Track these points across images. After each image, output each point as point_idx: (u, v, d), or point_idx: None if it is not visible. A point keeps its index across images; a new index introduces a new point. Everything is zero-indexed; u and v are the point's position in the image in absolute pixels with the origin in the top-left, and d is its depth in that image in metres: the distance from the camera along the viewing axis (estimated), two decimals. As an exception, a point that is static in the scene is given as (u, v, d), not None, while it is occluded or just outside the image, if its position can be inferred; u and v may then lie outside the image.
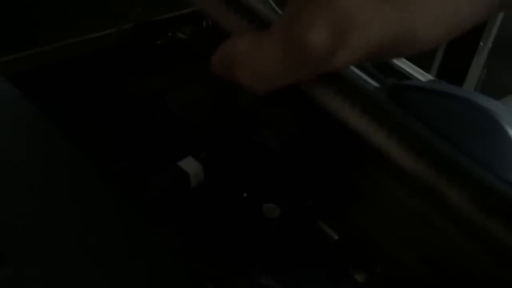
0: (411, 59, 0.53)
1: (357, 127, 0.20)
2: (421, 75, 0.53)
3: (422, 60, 0.52)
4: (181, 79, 0.49)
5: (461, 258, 0.45)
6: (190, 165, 0.42)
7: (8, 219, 0.28)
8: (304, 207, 0.46)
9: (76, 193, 0.31)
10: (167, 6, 0.56)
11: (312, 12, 0.18)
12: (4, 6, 0.45)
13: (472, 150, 0.22)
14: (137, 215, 0.31)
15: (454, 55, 1.14)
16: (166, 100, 0.47)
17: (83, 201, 0.30)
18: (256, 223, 0.43)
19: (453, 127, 0.35)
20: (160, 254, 0.30)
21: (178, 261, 0.29)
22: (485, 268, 0.41)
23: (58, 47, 0.47)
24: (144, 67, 0.51)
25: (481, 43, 1.11)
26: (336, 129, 0.45)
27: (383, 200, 0.57)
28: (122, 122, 0.46)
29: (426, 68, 0.57)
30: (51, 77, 0.47)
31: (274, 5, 0.38)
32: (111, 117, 0.46)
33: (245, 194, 0.43)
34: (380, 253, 0.55)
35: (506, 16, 1.06)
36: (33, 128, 0.35)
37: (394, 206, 0.58)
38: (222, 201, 0.44)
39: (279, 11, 0.32)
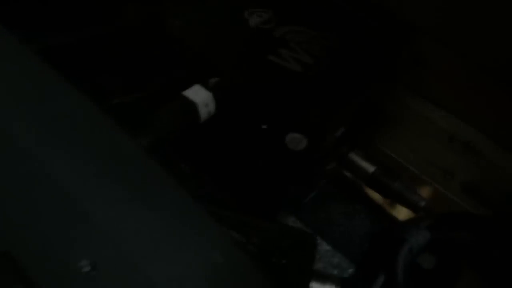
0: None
1: None
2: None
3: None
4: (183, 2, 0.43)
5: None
6: (198, 94, 0.36)
7: None
8: (334, 137, 0.40)
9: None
10: None
11: None
12: None
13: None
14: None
15: None
16: (167, 25, 0.40)
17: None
18: (279, 157, 0.37)
19: None
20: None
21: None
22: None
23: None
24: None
25: None
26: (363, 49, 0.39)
27: (415, 124, 0.52)
28: (121, 51, 0.40)
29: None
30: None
31: None
32: (109, 47, 0.41)
33: (264, 126, 0.37)
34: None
35: None
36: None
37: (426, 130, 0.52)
38: (238, 134, 0.38)
39: None
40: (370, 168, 0.44)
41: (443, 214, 0.45)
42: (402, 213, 0.47)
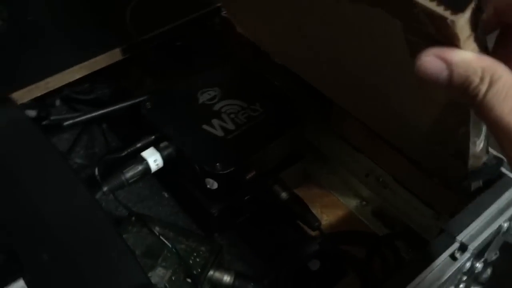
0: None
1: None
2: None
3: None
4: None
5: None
6: (151, 153, 0.59)
7: None
8: (242, 180, 0.60)
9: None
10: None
11: None
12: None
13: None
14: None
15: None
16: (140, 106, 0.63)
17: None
18: (203, 193, 0.59)
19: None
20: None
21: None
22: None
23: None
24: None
25: None
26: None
27: (341, 162, 0.70)
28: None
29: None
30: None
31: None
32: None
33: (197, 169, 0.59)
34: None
35: None
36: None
37: (348, 167, 0.70)
38: (179, 179, 0.61)
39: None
40: (285, 196, 0.64)
41: (331, 233, 0.63)
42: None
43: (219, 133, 0.60)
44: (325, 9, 0.44)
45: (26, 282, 0.44)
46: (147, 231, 0.58)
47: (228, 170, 0.57)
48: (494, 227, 0.46)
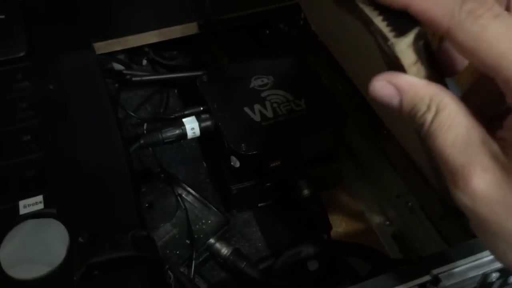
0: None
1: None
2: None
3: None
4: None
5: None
6: (190, 121, 0.64)
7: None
8: (266, 164, 0.63)
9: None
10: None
11: None
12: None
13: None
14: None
15: None
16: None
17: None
18: (227, 169, 0.63)
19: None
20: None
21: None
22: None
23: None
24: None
25: None
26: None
27: (377, 177, 0.69)
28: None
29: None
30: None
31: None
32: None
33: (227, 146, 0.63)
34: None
35: None
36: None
37: (382, 184, 0.69)
38: (211, 151, 0.65)
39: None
40: (306, 193, 0.65)
41: (341, 241, 0.63)
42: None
43: (256, 117, 0.64)
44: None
45: (44, 198, 0.51)
46: (170, 189, 0.64)
47: (251, 153, 0.60)
48: (476, 273, 0.44)
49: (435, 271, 0.44)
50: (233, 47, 0.81)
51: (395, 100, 0.30)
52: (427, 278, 0.44)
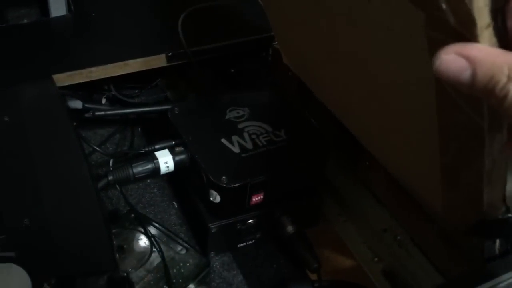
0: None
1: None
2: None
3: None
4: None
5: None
6: (163, 155, 0.59)
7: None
8: (244, 197, 0.58)
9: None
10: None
11: None
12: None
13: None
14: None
15: None
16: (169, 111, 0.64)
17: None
18: (205, 204, 0.58)
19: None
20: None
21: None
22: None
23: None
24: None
25: None
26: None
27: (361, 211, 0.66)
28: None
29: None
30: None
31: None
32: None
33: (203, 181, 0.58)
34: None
35: None
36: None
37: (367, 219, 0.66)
38: (186, 187, 0.60)
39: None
40: (291, 230, 0.60)
41: (331, 280, 0.58)
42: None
43: (236, 149, 0.59)
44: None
45: (1, 241, 0.44)
46: (142, 230, 0.57)
47: (233, 185, 0.55)
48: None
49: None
50: (201, 83, 0.78)
51: (466, 74, 0.26)
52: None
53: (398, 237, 0.62)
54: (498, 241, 0.45)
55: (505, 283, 0.42)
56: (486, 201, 0.39)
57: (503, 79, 0.25)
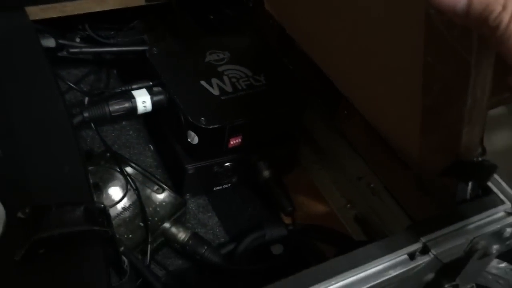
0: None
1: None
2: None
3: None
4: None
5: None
6: (141, 94, 0.58)
7: None
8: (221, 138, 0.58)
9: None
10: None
11: None
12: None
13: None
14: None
15: None
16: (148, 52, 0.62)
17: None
18: (183, 145, 0.57)
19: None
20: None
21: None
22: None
23: None
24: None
25: None
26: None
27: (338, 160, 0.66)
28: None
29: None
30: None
31: None
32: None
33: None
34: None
35: None
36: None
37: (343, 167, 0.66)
38: (163, 128, 0.59)
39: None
40: (267, 175, 0.61)
41: (307, 225, 0.59)
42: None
43: (215, 92, 0.59)
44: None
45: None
46: (118, 169, 0.57)
47: (212, 126, 0.55)
48: (464, 240, 0.42)
49: (423, 239, 0.42)
50: (180, 26, 0.76)
51: (460, 4, 0.26)
52: (417, 246, 0.41)
53: (372, 185, 0.63)
54: (470, 184, 0.46)
55: (474, 224, 0.44)
56: (464, 142, 0.40)
57: (498, 8, 0.25)
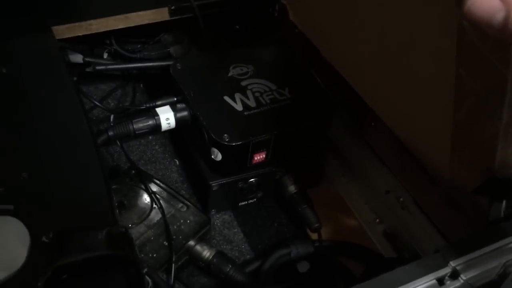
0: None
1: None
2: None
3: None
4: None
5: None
6: (164, 111, 0.58)
7: None
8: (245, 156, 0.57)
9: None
10: None
11: None
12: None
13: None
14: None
15: None
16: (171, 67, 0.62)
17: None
18: (207, 163, 0.57)
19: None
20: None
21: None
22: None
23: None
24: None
25: None
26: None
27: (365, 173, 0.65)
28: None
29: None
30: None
31: None
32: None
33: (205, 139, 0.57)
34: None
35: None
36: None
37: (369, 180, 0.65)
38: (187, 144, 0.59)
39: None
40: (293, 190, 0.60)
41: (332, 240, 0.58)
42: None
43: (238, 107, 0.58)
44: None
45: (-2, 193, 0.43)
46: (143, 187, 0.57)
47: (235, 143, 0.54)
48: (497, 263, 0.40)
49: (452, 263, 0.40)
50: (205, 39, 0.76)
51: (498, 16, 0.24)
52: (446, 270, 0.40)
53: (401, 199, 0.61)
54: (504, 202, 0.44)
55: (509, 246, 0.42)
56: (499, 159, 0.38)
57: None
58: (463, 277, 0.39)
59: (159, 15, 0.68)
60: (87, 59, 0.67)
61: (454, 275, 0.40)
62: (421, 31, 0.42)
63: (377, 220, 0.64)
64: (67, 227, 0.41)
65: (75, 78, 0.72)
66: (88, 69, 0.71)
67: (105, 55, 0.77)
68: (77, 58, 0.71)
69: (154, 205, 0.55)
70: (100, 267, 0.39)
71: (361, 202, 0.66)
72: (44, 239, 0.40)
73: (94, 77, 0.76)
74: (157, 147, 0.68)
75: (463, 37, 0.33)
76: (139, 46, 0.78)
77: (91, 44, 0.73)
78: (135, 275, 0.42)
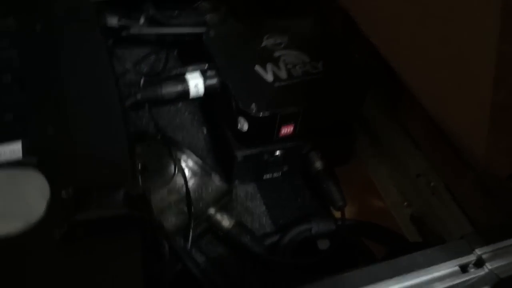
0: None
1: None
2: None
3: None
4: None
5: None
6: (194, 76, 0.57)
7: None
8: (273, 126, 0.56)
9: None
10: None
11: None
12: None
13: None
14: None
15: None
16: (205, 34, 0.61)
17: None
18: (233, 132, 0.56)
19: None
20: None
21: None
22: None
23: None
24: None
25: None
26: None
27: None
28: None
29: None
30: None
31: None
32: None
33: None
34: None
35: None
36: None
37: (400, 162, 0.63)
38: (215, 113, 0.58)
39: None
40: (319, 166, 0.58)
41: (358, 221, 0.57)
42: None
43: (269, 78, 0.57)
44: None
45: (23, 146, 0.44)
46: (168, 152, 0.57)
47: (262, 114, 0.53)
48: (526, 254, 0.38)
49: (478, 251, 0.38)
50: (242, 7, 0.74)
51: None
52: (471, 258, 0.38)
53: (432, 184, 0.59)
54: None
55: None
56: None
57: None
58: (488, 266, 0.38)
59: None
60: (121, 22, 0.67)
61: (479, 263, 0.38)
62: (463, 6, 0.40)
63: (405, 203, 0.62)
64: (87, 184, 0.41)
65: (110, 41, 0.72)
66: (123, 33, 0.71)
67: (142, 20, 0.77)
68: (114, 21, 0.71)
69: (177, 171, 0.54)
70: (116, 226, 0.39)
71: (390, 184, 0.64)
72: (64, 194, 0.40)
73: (130, 42, 0.76)
74: (186, 114, 0.68)
75: (509, 9, 0.31)
76: (176, 12, 0.77)
77: (129, 8, 0.73)
78: (150, 237, 0.42)
